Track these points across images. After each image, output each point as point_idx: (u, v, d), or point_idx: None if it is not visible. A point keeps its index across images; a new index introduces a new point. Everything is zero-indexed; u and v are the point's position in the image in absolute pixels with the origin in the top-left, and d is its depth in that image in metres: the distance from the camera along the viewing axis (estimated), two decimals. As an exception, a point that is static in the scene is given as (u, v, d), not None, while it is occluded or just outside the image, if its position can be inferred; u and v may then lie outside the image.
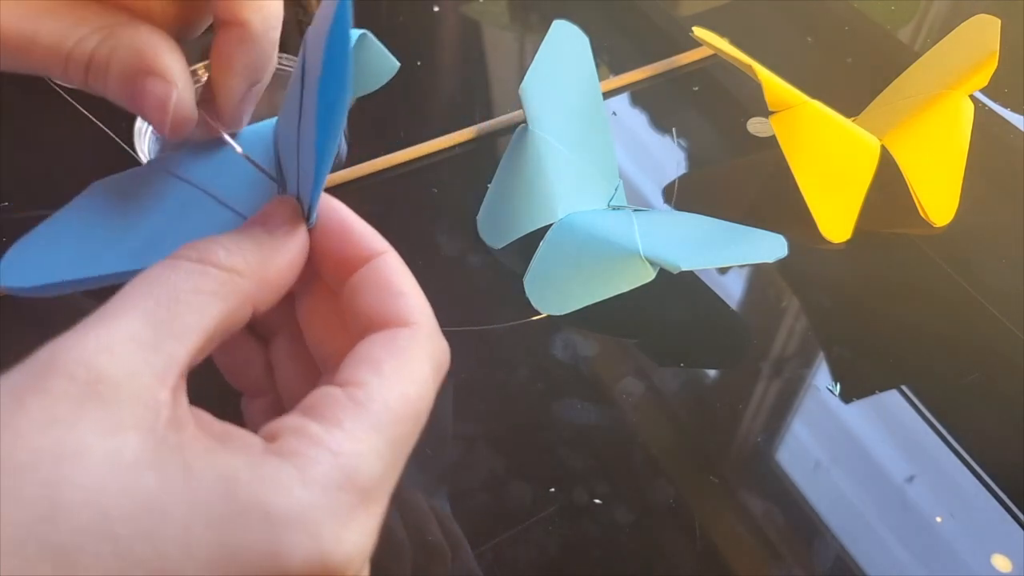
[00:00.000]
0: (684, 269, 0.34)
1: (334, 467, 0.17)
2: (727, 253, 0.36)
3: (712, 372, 0.37)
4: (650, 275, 0.36)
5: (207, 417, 0.18)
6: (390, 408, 0.18)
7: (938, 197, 0.42)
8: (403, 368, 0.19)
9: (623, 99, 0.49)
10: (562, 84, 0.40)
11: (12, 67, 0.22)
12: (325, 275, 0.22)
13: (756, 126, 0.47)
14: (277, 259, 0.20)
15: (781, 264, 0.34)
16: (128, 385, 0.16)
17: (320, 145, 0.19)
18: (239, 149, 0.24)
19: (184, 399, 0.18)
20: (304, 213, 0.21)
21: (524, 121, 0.39)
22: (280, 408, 0.23)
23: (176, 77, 0.22)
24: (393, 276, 0.21)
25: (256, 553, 0.16)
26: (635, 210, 0.39)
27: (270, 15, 0.23)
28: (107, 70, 0.22)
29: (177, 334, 0.17)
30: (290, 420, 0.18)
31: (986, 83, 0.41)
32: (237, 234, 0.20)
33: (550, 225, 0.38)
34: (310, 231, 0.21)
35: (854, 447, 0.35)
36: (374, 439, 0.18)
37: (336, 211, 0.22)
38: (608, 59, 0.51)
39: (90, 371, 0.16)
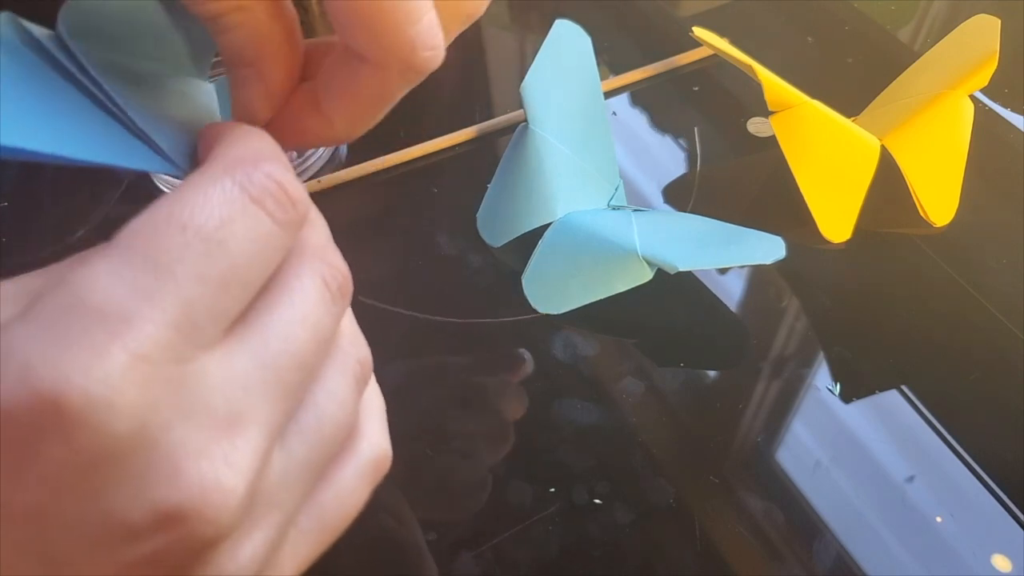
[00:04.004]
0: (681, 269, 0.34)
1: (61, 292, 0.15)
2: (724, 254, 0.36)
3: (712, 372, 0.37)
4: (647, 275, 0.36)
5: None
6: (146, 227, 0.16)
7: (938, 197, 0.42)
8: (185, 190, 0.16)
9: (623, 99, 0.49)
10: (563, 83, 0.40)
11: None
12: None
13: (756, 126, 0.47)
14: None
15: (781, 264, 0.34)
16: None
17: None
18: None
19: None
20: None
21: (524, 120, 0.39)
22: None
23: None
24: None
25: None
26: (635, 210, 0.39)
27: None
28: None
29: None
30: None
31: (986, 83, 0.41)
32: None
33: (549, 224, 0.38)
34: None
35: (854, 447, 0.35)
36: (113, 258, 0.15)
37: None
38: (608, 59, 0.51)
39: None
